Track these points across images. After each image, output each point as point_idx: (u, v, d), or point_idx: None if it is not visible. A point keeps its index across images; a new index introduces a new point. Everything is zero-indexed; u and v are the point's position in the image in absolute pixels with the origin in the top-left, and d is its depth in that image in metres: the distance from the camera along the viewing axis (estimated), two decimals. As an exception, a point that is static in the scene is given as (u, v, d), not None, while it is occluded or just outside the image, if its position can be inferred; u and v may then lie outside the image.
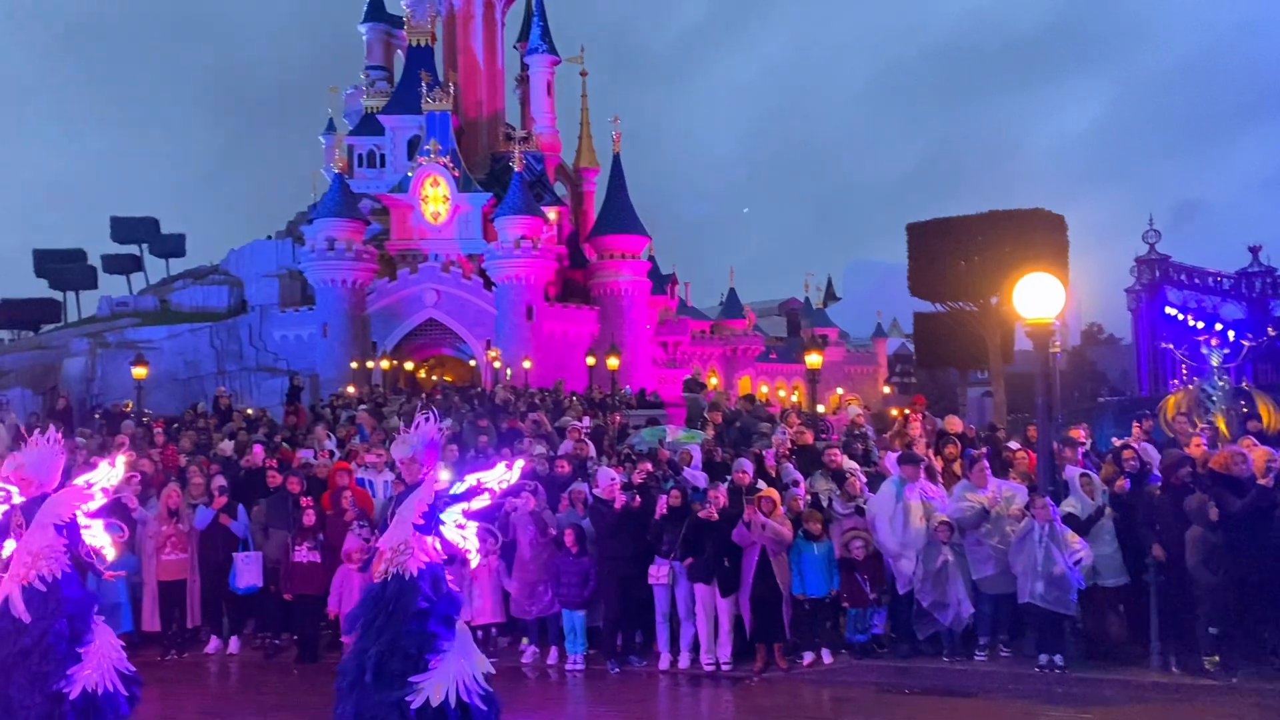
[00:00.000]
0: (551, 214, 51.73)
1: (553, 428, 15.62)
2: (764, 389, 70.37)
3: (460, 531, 6.76)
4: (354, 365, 43.85)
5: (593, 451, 13.38)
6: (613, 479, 10.68)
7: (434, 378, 46.61)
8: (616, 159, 57.20)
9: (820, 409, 34.33)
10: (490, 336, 47.33)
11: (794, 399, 64.95)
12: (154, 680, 8.49)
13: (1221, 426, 14.93)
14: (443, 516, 6.72)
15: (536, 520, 10.67)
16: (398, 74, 56.74)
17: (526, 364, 43.04)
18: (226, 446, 14.27)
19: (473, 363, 48.78)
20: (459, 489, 6.80)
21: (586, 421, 16.62)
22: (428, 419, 7.02)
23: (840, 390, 67.04)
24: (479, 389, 31.47)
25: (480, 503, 6.83)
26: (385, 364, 44.74)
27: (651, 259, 59.90)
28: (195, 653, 11.16)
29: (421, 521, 6.64)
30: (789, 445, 12.35)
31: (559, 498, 11.14)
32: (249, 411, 23.26)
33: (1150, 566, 9.19)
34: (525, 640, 11.05)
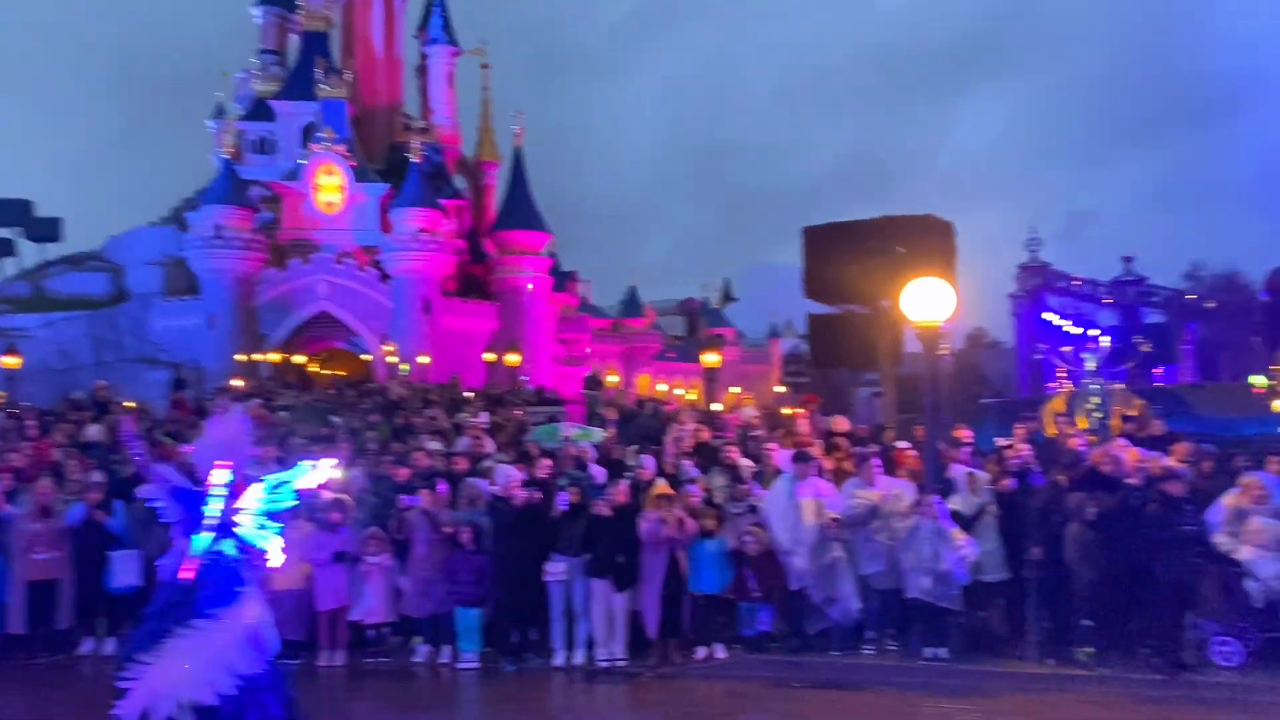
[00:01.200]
0: (451, 207, 50.99)
1: (449, 424, 15.42)
2: (662, 387, 70.77)
3: (261, 533, 6.44)
4: (241, 358, 42.44)
5: (491, 448, 13.26)
6: (511, 475, 10.60)
7: (326, 372, 45.46)
8: (518, 153, 56.78)
9: (716, 407, 34.70)
10: (385, 331, 46.39)
11: (691, 397, 65.52)
12: (23, 683, 8.08)
13: (1116, 426, 15.63)
14: (239, 519, 6.39)
15: (429, 518, 10.51)
16: (292, 60, 55.15)
17: (423, 359, 42.38)
18: (94, 430, 13.66)
19: (367, 357, 47.77)
20: (262, 488, 6.50)
21: (484, 418, 16.45)
22: (234, 411, 6.71)
23: (736, 389, 67.94)
24: (373, 384, 30.83)
25: (286, 502, 6.54)
26: (275, 357, 43.45)
27: (553, 255, 59.65)
28: (68, 655, 10.65)
29: (215, 521, 6.32)
30: (688, 443, 12.45)
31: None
32: (130, 404, 22.30)
33: (1030, 562, 9.55)
34: (418, 639, 10.87)
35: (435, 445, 12.55)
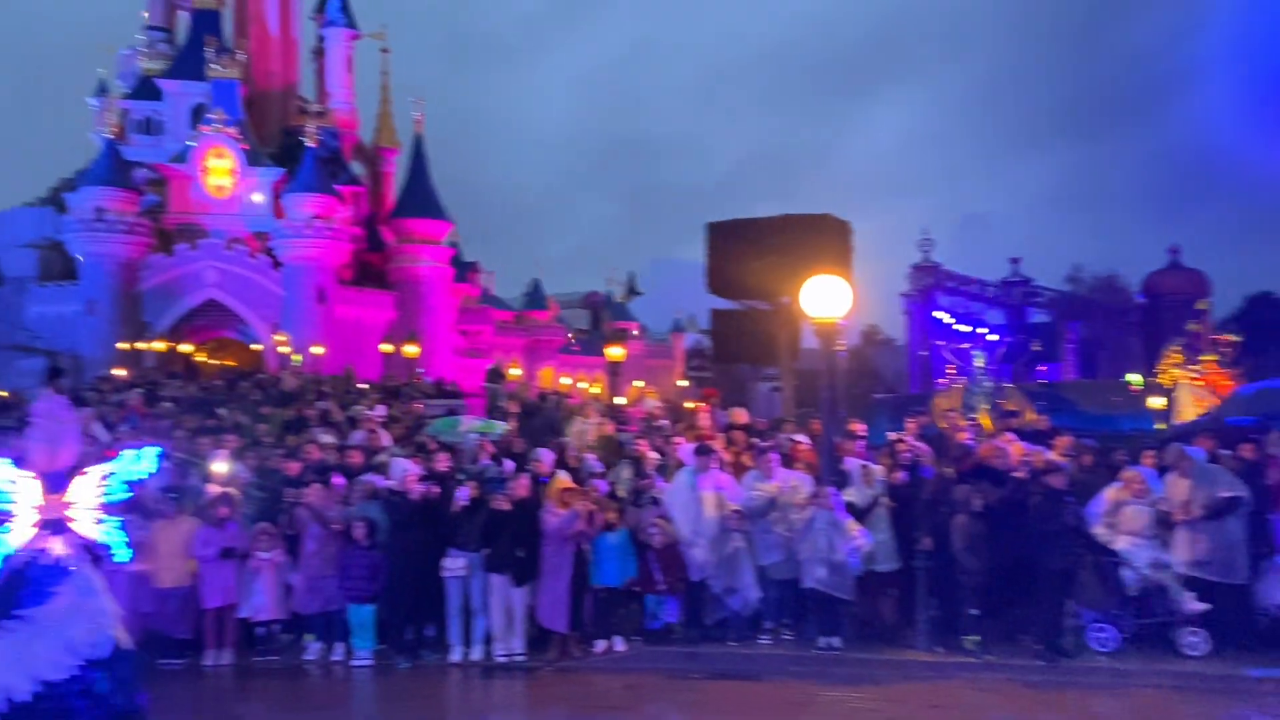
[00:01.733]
0: (347, 194, 49.84)
1: (343, 416, 15.06)
2: (566, 380, 70.55)
3: (99, 527, 6.11)
4: (123, 346, 40.71)
5: (387, 441, 12.99)
6: (407, 470, 10.40)
7: (214, 362, 43.92)
8: (419, 140, 55.79)
9: (620, 401, 34.74)
10: (277, 320, 45.08)
11: (595, 391, 65.51)
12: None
13: (986, 422, 16.17)
14: (72, 514, 6.05)
15: (316, 513, 10.23)
16: (182, 37, 53.06)
17: (317, 350, 41.33)
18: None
19: (258, 347, 46.34)
20: (93, 481, 6.17)
21: (380, 410, 16.11)
22: (55, 399, 6.36)
23: (639, 383, 68.20)
24: (264, 375, 29.93)
25: (117, 495, 6.21)
26: (159, 346, 41.80)
27: (454, 245, 58.83)
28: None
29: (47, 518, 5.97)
30: (592, 436, 12.42)
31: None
32: (2, 394, 21.19)
33: (920, 553, 9.80)
34: (310, 637, 10.59)
35: (328, 438, 12.23)
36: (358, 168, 58.08)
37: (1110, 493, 9.79)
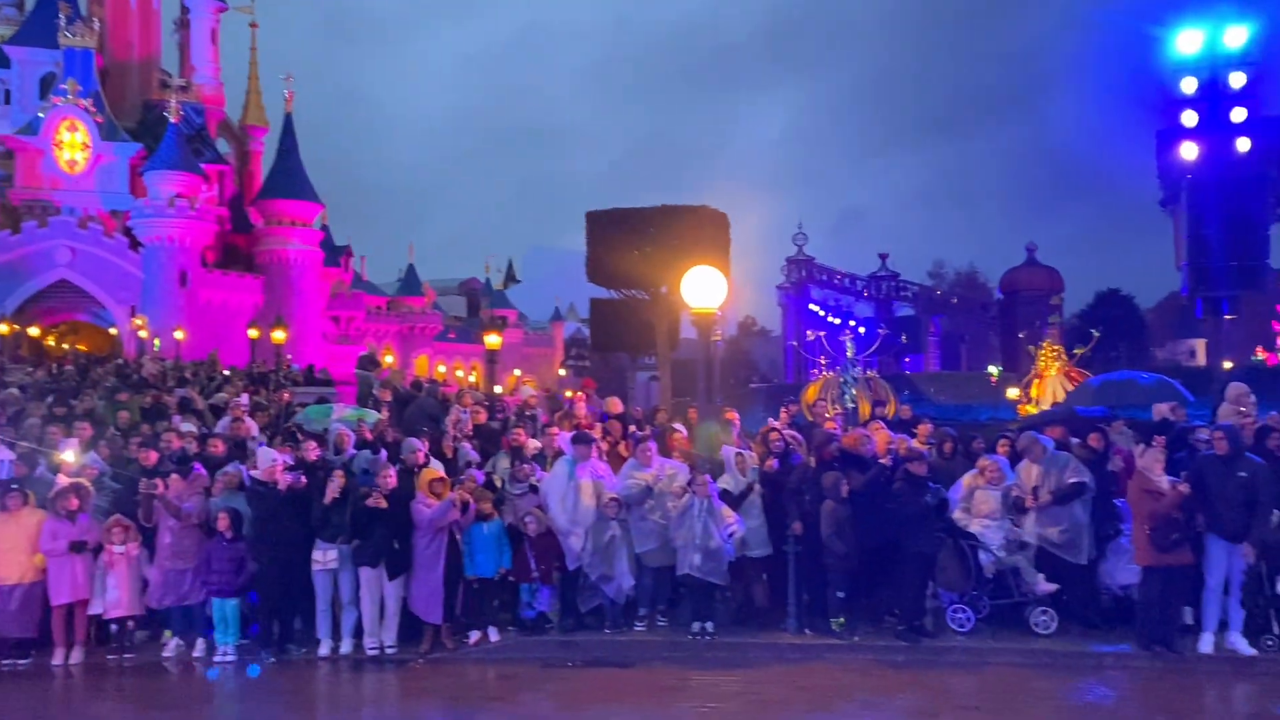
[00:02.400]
0: (212, 173, 47.90)
1: (206, 404, 14.49)
2: (442, 369, 69.57)
3: None
4: (-36, 329, 38.26)
5: (254, 430, 12.56)
6: (274, 459, 10.07)
7: (65, 346, 41.61)
8: (289, 119, 54.04)
9: (498, 389, 34.46)
10: (136, 302, 43.07)
11: (472, 379, 64.79)
12: None
13: (865, 410, 16.68)
14: None
15: (168, 505, 9.81)
16: (31, 2, 49.94)
17: (179, 334, 39.66)
18: None
19: (114, 331, 44.14)
20: None
21: (245, 399, 15.56)
22: None
23: (518, 372, 67.79)
24: (120, 360, 28.52)
25: None
26: (3, 329, 39.38)
27: (325, 228, 57.22)
28: None
29: None
30: (469, 425, 12.25)
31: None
32: None
33: (790, 538, 10.05)
34: (169, 633, 10.17)
35: (189, 427, 11.74)
36: (224, 146, 55.91)
37: (967, 479, 10.25)
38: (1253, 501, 8.93)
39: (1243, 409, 11.15)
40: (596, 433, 11.61)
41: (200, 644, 10.00)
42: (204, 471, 10.35)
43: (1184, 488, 8.90)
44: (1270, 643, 9.03)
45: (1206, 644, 9.09)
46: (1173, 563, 8.94)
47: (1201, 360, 50.19)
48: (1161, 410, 11.80)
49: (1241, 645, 9.04)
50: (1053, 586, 9.72)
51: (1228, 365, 24.15)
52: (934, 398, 31.82)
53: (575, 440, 10.73)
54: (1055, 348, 23.61)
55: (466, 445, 11.70)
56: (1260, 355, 50.49)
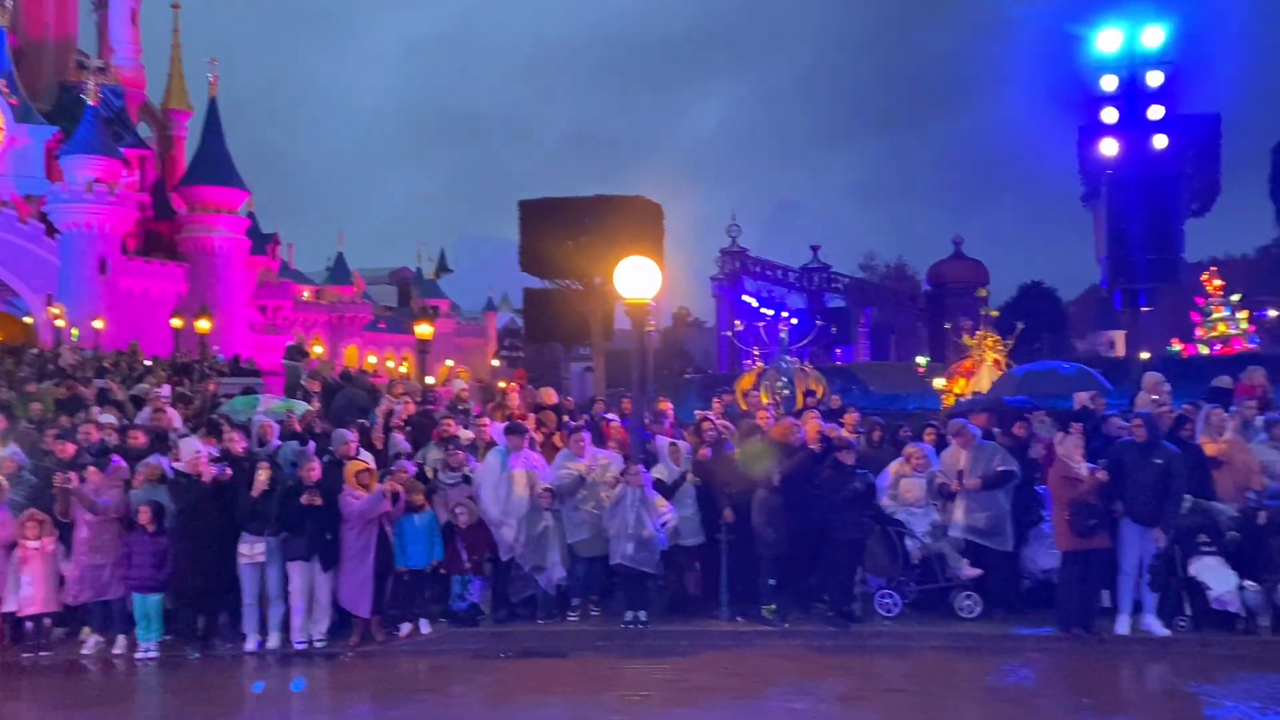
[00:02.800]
0: (133, 157, 46.53)
1: (126, 395, 14.09)
2: (372, 359, 68.63)
3: None
4: None
5: (176, 422, 12.24)
6: (198, 451, 9.83)
7: (-22, 336, 40.17)
8: (213, 103, 52.67)
9: (430, 380, 34.08)
10: (52, 290, 41.68)
11: (403, 370, 64.00)
12: None
13: (800, 400, 16.83)
14: None
15: (84, 499, 9.54)
16: (-63, -24, 47.90)
17: (98, 324, 38.50)
18: None
19: (29, 320, 42.66)
20: None
21: (167, 389, 15.17)
22: None
23: (450, 362, 67.16)
24: (36, 350, 27.59)
25: None
26: (-88, 317, 37.88)
27: (251, 215, 55.99)
28: None
29: None
30: (402, 417, 12.09)
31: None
32: None
33: (723, 526, 10.13)
34: (87, 630, 9.89)
35: (108, 418, 11.41)
36: (145, 130, 54.34)
37: (894, 466, 10.44)
38: (1167, 488, 9.24)
39: (1157, 398, 11.54)
40: (530, 423, 11.57)
41: (121, 641, 9.75)
42: (123, 464, 10.07)
43: (1102, 474, 9.16)
44: (1183, 623, 9.36)
45: (1123, 625, 9.39)
46: (1090, 547, 9.21)
47: (1120, 351, 51.74)
48: (1081, 399, 12.13)
49: (1155, 626, 9.36)
50: (977, 572, 9.95)
51: (1145, 356, 24.91)
52: (864, 387, 32.31)
53: (508, 431, 10.67)
54: (994, 338, 24.14)
55: (398, 436, 11.56)
56: (1176, 346, 52.35)
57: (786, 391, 18.06)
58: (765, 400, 17.23)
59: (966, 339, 24.69)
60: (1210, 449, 10.04)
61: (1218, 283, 51.38)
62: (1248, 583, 9.16)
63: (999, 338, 24.33)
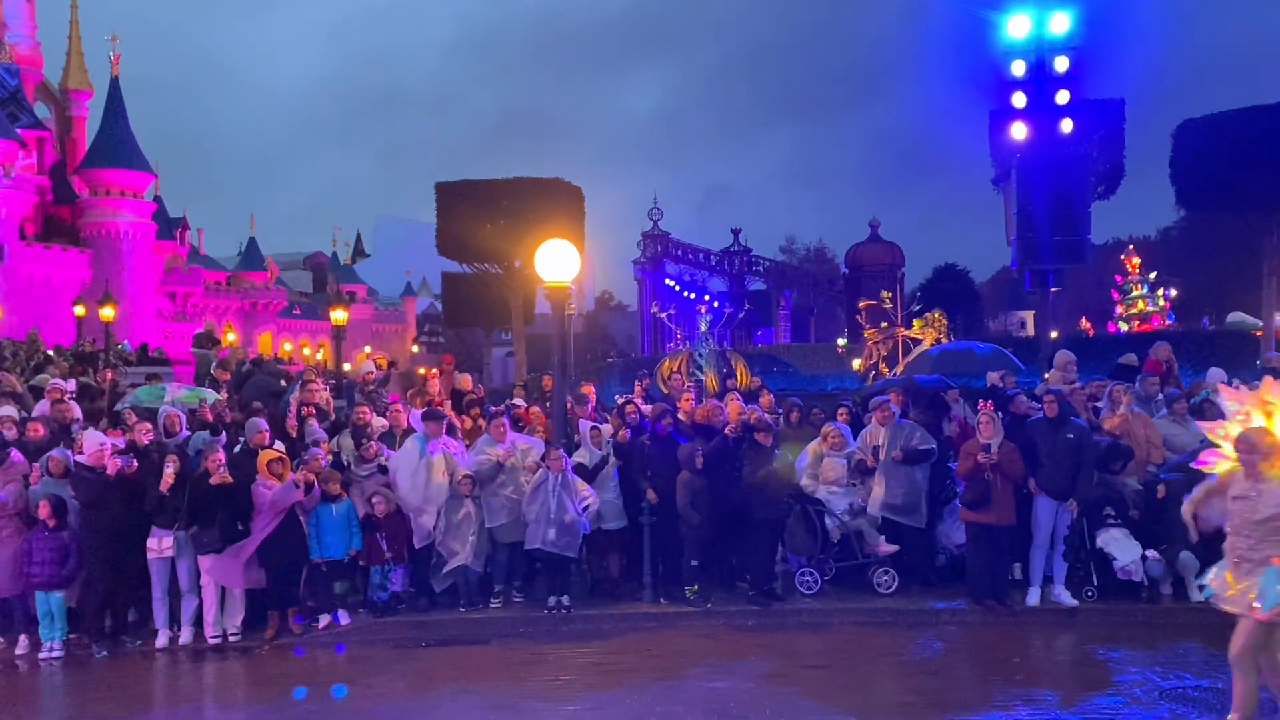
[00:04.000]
0: (30, 139, 44.61)
1: (24, 386, 13.52)
2: (287, 346, 67.16)
3: None
4: None
5: (77, 413, 11.78)
6: (102, 443, 9.48)
7: None
8: (115, 83, 50.71)
9: (346, 367, 33.46)
10: (-54, 278, 39.78)
11: (320, 357, 62.76)
12: None
13: (711, 384, 16.93)
14: None
15: None
16: None
17: (-5, 312, 36.85)
18: None
19: (-79, 308, 40.66)
20: None
21: (72, 384, 14.61)
22: None
23: (368, 349, 66.08)
24: (-72, 340, 26.30)
25: None
26: None
27: (158, 199, 54.17)
28: None
29: None
30: (313, 403, 11.81)
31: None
32: None
33: (645, 509, 10.15)
34: (-14, 631, 9.49)
35: (7, 410, 10.93)
36: (43, 111, 52.11)
37: (812, 446, 10.57)
38: (1078, 462, 9.53)
39: (1068, 376, 11.88)
40: (449, 409, 11.43)
41: (23, 641, 9.38)
42: (21, 458, 9.66)
43: (987, 457, 9.33)
44: (1090, 593, 9.68)
45: (1033, 597, 9.68)
46: (983, 520, 9.43)
47: (1031, 331, 53.24)
48: (992, 378, 12.44)
49: (1065, 597, 9.66)
50: (893, 548, 10.15)
51: (1054, 335, 25.66)
52: (785, 369, 32.69)
53: (426, 417, 10.51)
54: (940, 319, 24.48)
55: (314, 423, 11.30)
56: (1084, 326, 54.07)
57: (706, 373, 18.16)
58: (688, 383, 17.30)
59: (920, 321, 24.80)
60: (1109, 424, 10.37)
61: (1136, 261, 52.67)
62: (1150, 552, 9.51)
63: (945, 319, 24.76)
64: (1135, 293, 51.66)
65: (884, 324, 25.69)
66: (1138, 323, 49.79)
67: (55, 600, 9.30)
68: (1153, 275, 51.91)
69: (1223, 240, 48.45)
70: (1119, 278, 53.17)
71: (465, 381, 12.77)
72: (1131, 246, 56.08)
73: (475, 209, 28.06)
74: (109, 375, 15.50)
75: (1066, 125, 15.85)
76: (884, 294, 28.23)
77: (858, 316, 27.12)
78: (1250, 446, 5.95)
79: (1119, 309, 52.49)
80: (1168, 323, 48.97)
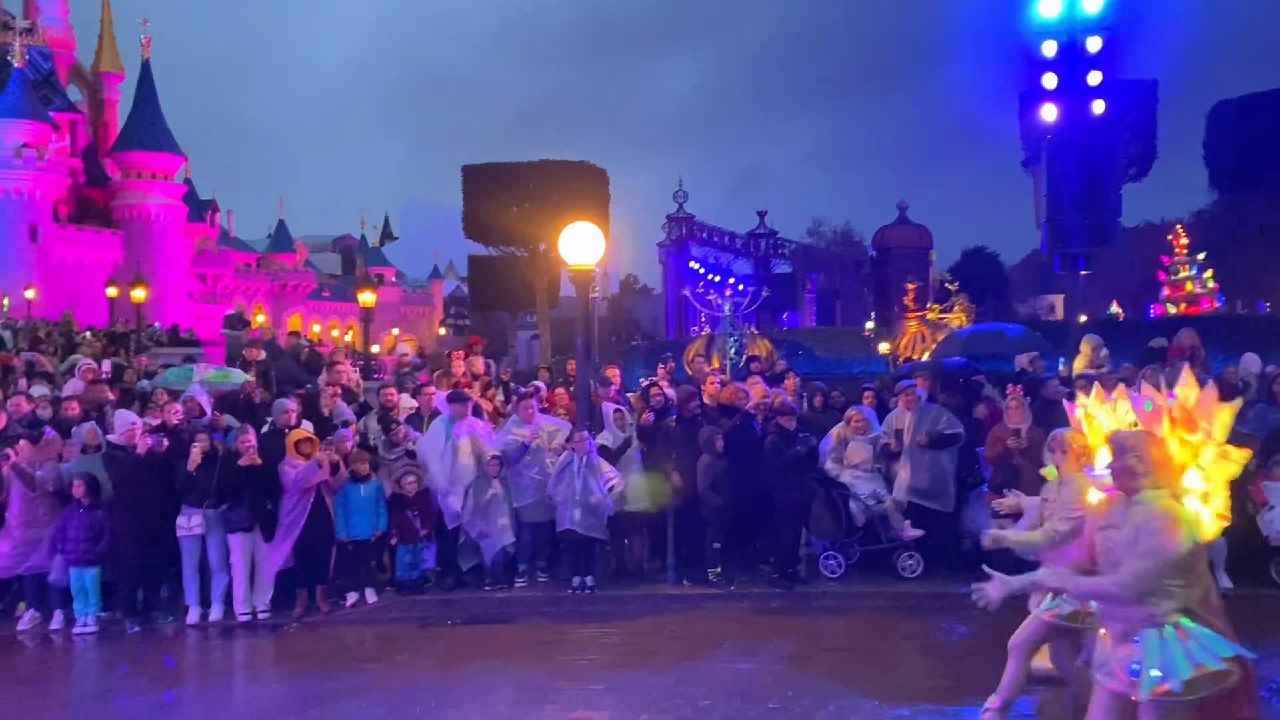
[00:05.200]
0: (63, 122, 45.09)
1: (59, 366, 13.73)
2: (316, 328, 67.67)
3: None
4: None
5: (110, 395, 11.96)
6: (133, 422, 9.62)
7: (-98, 306, 38.81)
8: (146, 66, 51.13)
9: (375, 349, 33.72)
10: (-19, 260, 40.40)
11: (348, 339, 63.20)
12: None
13: (713, 363, 16.92)
14: None
15: (24, 474, 9.31)
16: None
17: (29, 293, 37.43)
18: None
19: (-43, 290, 41.30)
20: None
21: (107, 365, 14.83)
22: None
23: (396, 331, 66.45)
24: (-35, 320, 26.75)
25: None
26: None
27: (188, 181, 54.65)
28: None
29: None
30: (342, 385, 11.92)
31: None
32: None
33: (669, 491, 10.17)
34: (22, 605, 9.69)
35: (40, 390, 11.12)
36: (75, 94, 52.65)
37: (836, 430, 10.55)
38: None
39: (1096, 360, 11.76)
40: (475, 391, 11.49)
41: (58, 616, 9.57)
42: (56, 436, 9.83)
43: (1017, 442, 9.26)
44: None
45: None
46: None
47: (1060, 315, 52.58)
48: (1021, 361, 12.34)
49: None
50: (918, 532, 10.11)
51: (1083, 319, 25.40)
52: (810, 353, 32.59)
53: (450, 399, 10.58)
54: (968, 304, 24.25)
55: (342, 404, 11.41)
56: (1114, 310, 52.90)
57: (735, 358, 18.15)
58: (716, 364, 17.30)
59: (957, 302, 24.56)
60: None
61: (1185, 240, 50.01)
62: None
63: (970, 304, 24.54)
64: (1183, 274, 49.14)
65: (920, 309, 25.47)
66: (1184, 305, 47.48)
67: (89, 576, 9.47)
68: (1201, 256, 49.16)
69: (1258, 223, 47.41)
70: (1165, 258, 50.64)
71: (476, 364, 12.81)
72: (1180, 226, 52.45)
73: (501, 192, 28.14)
74: (144, 361, 15.70)
75: (1098, 106, 15.66)
76: (909, 285, 27.95)
77: (905, 299, 26.78)
78: (1122, 448, 4.35)
79: (1165, 291, 50.05)
80: (1217, 305, 46.49)
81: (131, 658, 8.86)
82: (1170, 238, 50.89)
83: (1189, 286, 48.59)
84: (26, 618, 9.60)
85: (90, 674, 8.80)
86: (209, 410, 10.55)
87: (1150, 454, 4.27)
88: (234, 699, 7.81)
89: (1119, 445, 4.38)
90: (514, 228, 28.14)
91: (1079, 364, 11.91)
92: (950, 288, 26.29)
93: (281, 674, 8.35)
